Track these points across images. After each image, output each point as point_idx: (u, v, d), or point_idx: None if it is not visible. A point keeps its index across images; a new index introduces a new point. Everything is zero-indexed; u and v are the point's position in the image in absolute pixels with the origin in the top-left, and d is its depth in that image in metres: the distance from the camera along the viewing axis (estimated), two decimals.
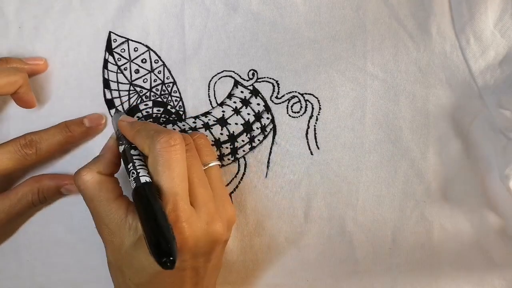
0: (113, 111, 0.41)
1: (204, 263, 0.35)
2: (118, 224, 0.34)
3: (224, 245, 0.38)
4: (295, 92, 0.40)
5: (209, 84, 0.41)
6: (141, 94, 0.41)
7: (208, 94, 0.41)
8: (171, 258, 0.28)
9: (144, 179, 0.33)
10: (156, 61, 0.41)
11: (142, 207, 0.31)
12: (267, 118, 0.41)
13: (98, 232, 0.36)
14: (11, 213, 0.39)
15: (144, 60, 0.41)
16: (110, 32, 0.41)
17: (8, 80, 0.37)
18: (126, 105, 0.41)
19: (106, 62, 0.41)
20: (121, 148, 0.37)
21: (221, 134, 0.41)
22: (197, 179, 0.35)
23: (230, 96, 0.41)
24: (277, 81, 0.40)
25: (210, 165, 0.37)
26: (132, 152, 0.35)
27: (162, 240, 0.29)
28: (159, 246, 0.29)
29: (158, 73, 0.41)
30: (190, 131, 0.41)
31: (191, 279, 0.35)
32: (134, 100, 0.41)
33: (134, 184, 0.33)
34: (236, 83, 0.41)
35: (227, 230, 0.36)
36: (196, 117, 0.41)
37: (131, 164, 0.34)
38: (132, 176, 0.34)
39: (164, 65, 0.41)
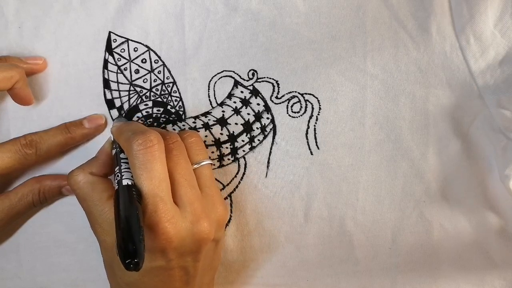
0: (113, 111, 0.41)
1: (193, 263, 0.35)
2: (110, 223, 0.34)
3: (215, 244, 0.37)
4: (295, 92, 0.40)
5: (209, 84, 0.41)
6: (141, 94, 0.41)
7: (208, 94, 0.41)
8: (135, 260, 0.29)
9: (125, 182, 0.33)
10: (156, 61, 0.41)
11: (117, 209, 0.32)
12: (267, 118, 0.41)
13: (92, 231, 0.36)
14: (11, 213, 0.39)
15: (144, 60, 0.41)
16: (110, 32, 0.41)
17: (4, 76, 0.37)
18: (126, 105, 0.41)
19: (106, 62, 0.41)
20: (114, 151, 0.37)
21: (221, 134, 0.41)
22: (182, 178, 0.35)
23: (230, 96, 0.41)
24: (277, 81, 0.40)
25: (201, 164, 0.37)
26: (122, 155, 0.36)
27: (129, 242, 0.29)
28: (127, 248, 0.29)
29: (158, 73, 0.41)
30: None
31: (181, 278, 0.35)
32: (134, 100, 0.41)
33: (117, 186, 0.33)
34: (236, 83, 0.41)
35: (217, 230, 0.36)
36: (196, 117, 0.41)
37: (117, 168, 0.35)
38: (116, 179, 0.34)
39: (164, 65, 0.41)
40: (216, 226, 0.36)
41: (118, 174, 0.34)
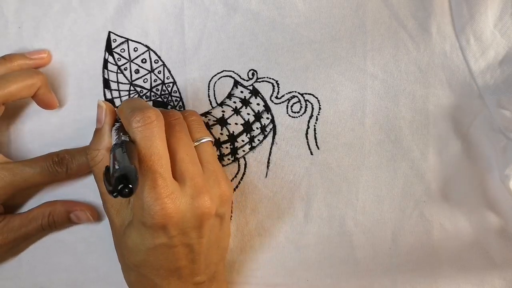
0: None
1: (197, 239, 0.35)
2: (122, 204, 0.35)
3: (219, 221, 0.37)
4: (295, 92, 0.40)
5: (209, 84, 0.41)
6: (141, 94, 0.41)
7: (208, 94, 0.41)
8: (130, 186, 0.28)
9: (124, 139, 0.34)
10: (156, 61, 0.41)
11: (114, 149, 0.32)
12: (267, 118, 0.41)
13: (105, 212, 0.36)
14: (20, 233, 0.39)
15: (144, 60, 0.41)
16: (109, 32, 0.41)
17: (25, 84, 0.38)
18: None
19: (106, 62, 0.41)
20: (116, 125, 0.36)
21: (221, 134, 0.41)
22: (184, 154, 0.35)
23: (230, 96, 0.41)
24: (277, 81, 0.40)
25: (202, 141, 0.37)
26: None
27: (120, 171, 0.28)
28: (119, 179, 0.28)
29: (158, 73, 0.41)
30: None
31: (186, 255, 0.35)
32: None
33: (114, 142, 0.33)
34: (236, 83, 0.41)
35: (220, 205, 0.36)
36: None
37: (116, 137, 0.34)
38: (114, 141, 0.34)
39: (164, 65, 0.41)
40: (219, 201, 0.36)
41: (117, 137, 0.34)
